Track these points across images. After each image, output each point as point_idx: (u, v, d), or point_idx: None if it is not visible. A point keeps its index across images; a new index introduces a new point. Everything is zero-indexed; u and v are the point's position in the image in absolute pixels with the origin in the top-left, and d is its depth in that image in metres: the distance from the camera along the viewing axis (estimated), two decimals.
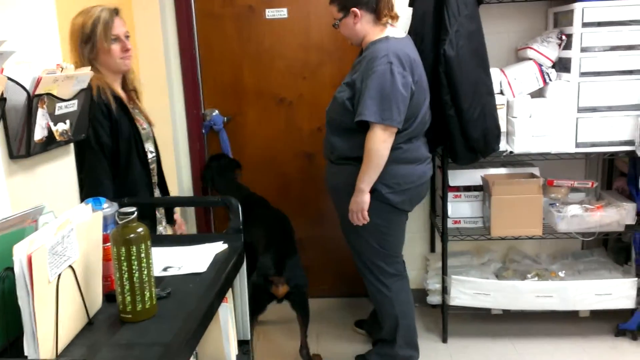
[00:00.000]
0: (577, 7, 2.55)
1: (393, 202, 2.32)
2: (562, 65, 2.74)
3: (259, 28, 3.12)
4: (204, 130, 3.20)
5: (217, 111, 3.17)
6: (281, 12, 3.09)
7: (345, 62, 2.98)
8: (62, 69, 1.51)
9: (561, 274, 2.90)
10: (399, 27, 2.40)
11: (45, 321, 1.04)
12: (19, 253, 0.99)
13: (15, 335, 1.11)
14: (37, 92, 1.36)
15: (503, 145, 2.69)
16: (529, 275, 2.89)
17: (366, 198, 2.25)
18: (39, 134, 1.41)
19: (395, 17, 2.34)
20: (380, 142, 2.18)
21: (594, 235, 2.75)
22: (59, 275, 1.08)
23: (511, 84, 2.71)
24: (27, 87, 1.34)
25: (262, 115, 3.22)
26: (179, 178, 3.08)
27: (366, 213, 2.28)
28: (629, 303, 2.73)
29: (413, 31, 2.60)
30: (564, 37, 2.68)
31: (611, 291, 2.72)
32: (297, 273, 2.63)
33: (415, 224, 3.18)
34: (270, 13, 3.09)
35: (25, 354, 1.04)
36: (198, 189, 3.23)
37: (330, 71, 3.13)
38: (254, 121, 3.23)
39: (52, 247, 1.06)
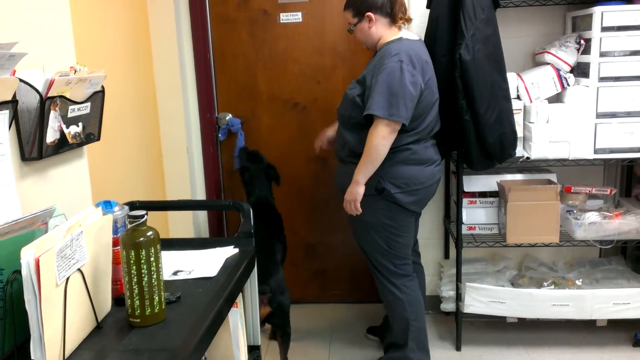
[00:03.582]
0: (596, 11, 2.51)
1: (402, 202, 2.33)
2: (580, 70, 2.69)
3: (274, 32, 3.11)
4: (220, 135, 3.18)
5: (230, 115, 3.17)
6: (295, 16, 3.08)
7: (359, 66, 2.96)
8: (76, 71, 1.51)
9: (578, 282, 2.85)
10: (414, 32, 2.40)
11: (53, 325, 1.04)
12: (27, 256, 0.98)
13: (23, 338, 1.10)
14: (49, 95, 1.36)
15: (519, 151, 2.65)
16: (545, 283, 2.84)
17: (360, 190, 2.30)
18: (51, 136, 1.41)
19: (409, 20, 2.37)
20: (380, 138, 2.20)
21: (612, 243, 2.70)
22: (68, 278, 1.08)
23: (528, 89, 2.68)
24: (40, 90, 1.34)
25: (275, 119, 3.21)
26: (192, 182, 3.08)
27: (359, 204, 2.32)
28: None
29: (428, 34, 2.58)
30: (582, 41, 2.64)
31: (629, 300, 2.66)
32: (279, 294, 2.57)
33: (429, 229, 3.15)
34: (285, 17, 3.09)
35: (32, 358, 1.03)
36: (211, 192, 3.23)
37: (344, 75, 3.11)
38: (268, 125, 3.22)
39: (61, 250, 1.05)
